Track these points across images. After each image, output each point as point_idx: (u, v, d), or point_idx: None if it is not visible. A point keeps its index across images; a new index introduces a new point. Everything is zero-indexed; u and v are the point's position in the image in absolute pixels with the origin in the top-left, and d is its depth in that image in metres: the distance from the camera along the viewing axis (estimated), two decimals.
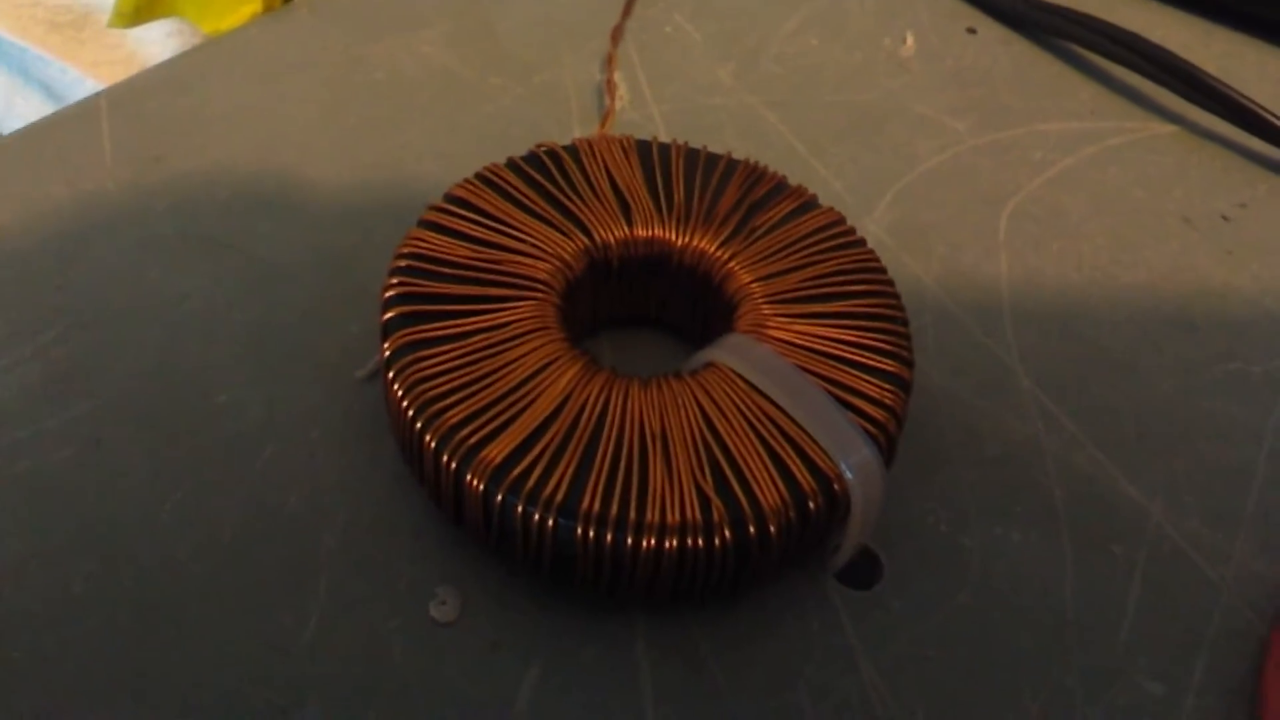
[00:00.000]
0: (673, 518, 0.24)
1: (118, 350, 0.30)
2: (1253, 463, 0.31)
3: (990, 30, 0.44)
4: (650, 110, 0.38)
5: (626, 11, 0.40)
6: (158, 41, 0.62)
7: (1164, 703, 0.26)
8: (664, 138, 0.32)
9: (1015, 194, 0.37)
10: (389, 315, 0.27)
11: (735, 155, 0.32)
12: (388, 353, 0.26)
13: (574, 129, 0.37)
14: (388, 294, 0.27)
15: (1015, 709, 0.25)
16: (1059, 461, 0.30)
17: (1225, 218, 0.37)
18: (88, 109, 0.36)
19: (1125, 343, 0.33)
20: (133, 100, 0.36)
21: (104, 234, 0.32)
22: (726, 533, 0.24)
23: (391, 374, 0.26)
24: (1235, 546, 0.29)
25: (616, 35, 0.39)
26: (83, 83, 0.70)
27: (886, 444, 0.26)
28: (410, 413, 0.25)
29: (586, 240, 0.29)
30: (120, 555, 0.26)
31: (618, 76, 0.38)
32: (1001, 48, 0.43)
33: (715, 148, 0.32)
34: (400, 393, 0.25)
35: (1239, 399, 0.32)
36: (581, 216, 0.29)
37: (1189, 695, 0.26)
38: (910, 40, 0.43)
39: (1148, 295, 0.34)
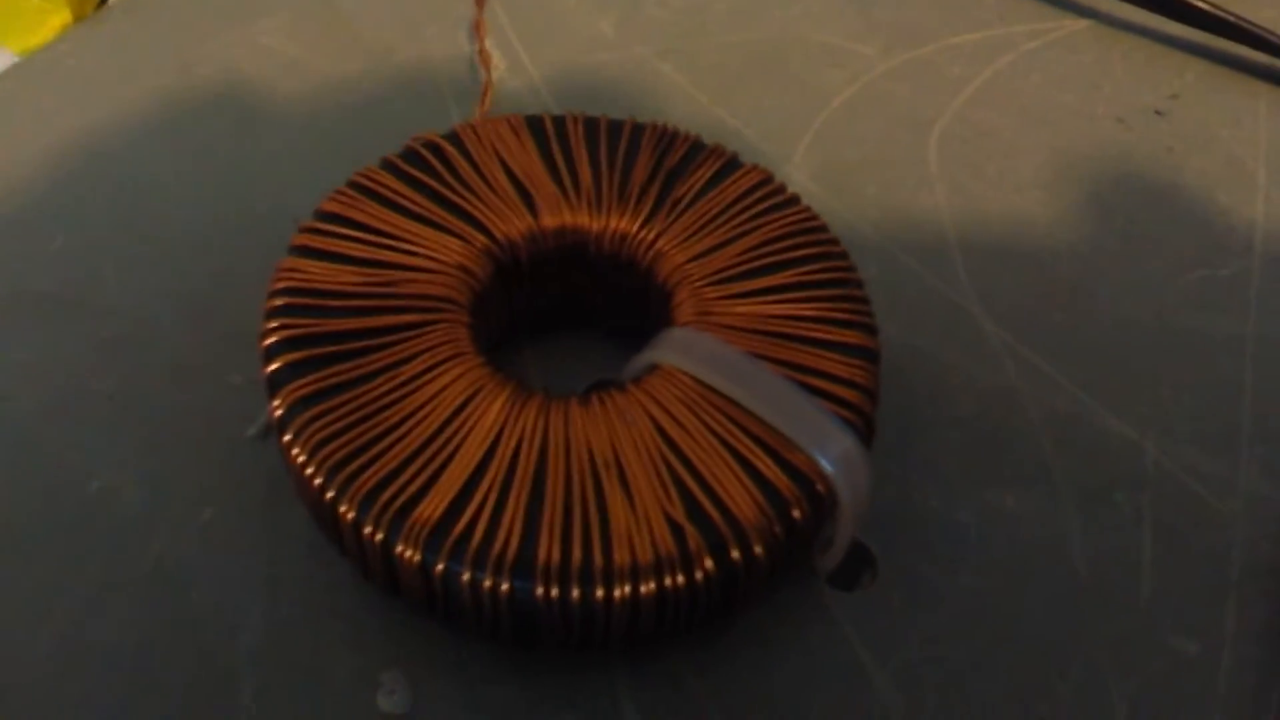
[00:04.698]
0: (644, 556, 0.20)
1: None
2: (1239, 374, 0.28)
3: None
4: (531, 77, 0.34)
5: None
6: None
7: (1201, 662, 0.23)
8: (553, 108, 0.28)
9: (940, 117, 0.34)
10: (274, 367, 0.22)
11: (637, 118, 0.28)
12: (280, 412, 0.22)
13: (451, 111, 0.33)
14: (268, 341, 0.23)
15: (1046, 697, 0.23)
16: (1040, 408, 0.27)
17: (1159, 112, 0.35)
18: None
19: (1083, 266, 0.30)
20: None
21: None
22: (707, 562, 0.21)
23: (289, 436, 0.22)
24: (1239, 471, 0.26)
25: None
26: None
27: (865, 427, 0.23)
28: (318, 481, 0.21)
29: (488, 241, 0.25)
30: None
31: (489, 43, 0.34)
32: None
33: (612, 111, 0.28)
34: (302, 459, 0.21)
35: (1212, 308, 0.30)
36: (478, 214, 0.25)
37: (1225, 649, 0.24)
38: None
39: (1095, 210, 0.32)
